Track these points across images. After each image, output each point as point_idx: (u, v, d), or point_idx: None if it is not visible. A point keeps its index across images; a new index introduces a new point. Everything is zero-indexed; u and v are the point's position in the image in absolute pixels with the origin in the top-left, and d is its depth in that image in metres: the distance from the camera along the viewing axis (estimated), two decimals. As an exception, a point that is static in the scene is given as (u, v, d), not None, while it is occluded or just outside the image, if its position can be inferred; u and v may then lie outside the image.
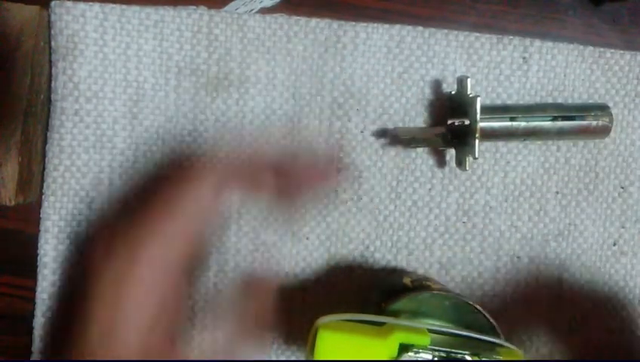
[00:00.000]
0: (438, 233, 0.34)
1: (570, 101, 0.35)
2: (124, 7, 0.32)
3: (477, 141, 0.31)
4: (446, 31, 0.34)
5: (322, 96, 0.34)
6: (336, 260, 0.34)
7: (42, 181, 0.32)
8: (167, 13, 0.33)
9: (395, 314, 0.26)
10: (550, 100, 0.35)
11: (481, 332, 0.25)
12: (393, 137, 0.34)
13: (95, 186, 0.33)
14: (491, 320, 0.26)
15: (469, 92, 0.31)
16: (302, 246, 0.33)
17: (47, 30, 0.32)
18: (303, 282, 0.33)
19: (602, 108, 0.33)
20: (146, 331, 0.23)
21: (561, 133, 0.33)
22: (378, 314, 0.25)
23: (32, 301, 0.32)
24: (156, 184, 0.29)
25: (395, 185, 0.34)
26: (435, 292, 0.27)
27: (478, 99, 0.31)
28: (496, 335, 0.25)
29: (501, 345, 0.25)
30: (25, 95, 0.31)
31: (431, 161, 0.34)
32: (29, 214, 0.33)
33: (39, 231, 0.32)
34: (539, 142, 0.34)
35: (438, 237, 0.34)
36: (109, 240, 0.25)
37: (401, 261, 0.34)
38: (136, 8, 0.32)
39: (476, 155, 0.31)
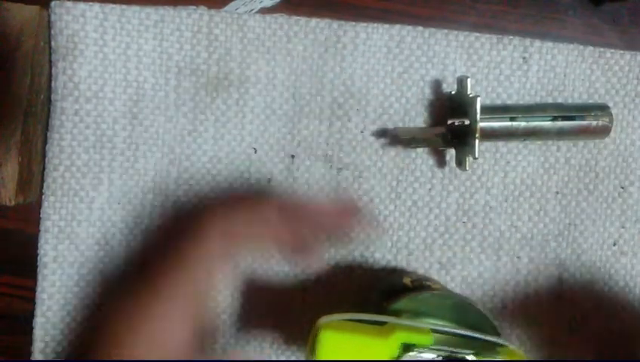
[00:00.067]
0: (438, 233, 0.34)
1: (570, 101, 0.35)
2: (124, 7, 0.32)
3: (477, 141, 0.31)
4: (446, 31, 0.34)
5: (322, 96, 0.34)
6: (336, 260, 0.34)
7: (42, 181, 0.32)
8: (167, 13, 0.33)
9: (396, 313, 0.26)
10: (550, 100, 0.35)
11: (481, 331, 0.25)
12: (393, 137, 0.34)
13: (95, 186, 0.33)
14: (492, 319, 0.26)
15: (469, 92, 0.31)
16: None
17: (47, 30, 0.32)
18: (303, 282, 0.33)
19: (602, 108, 0.33)
20: None
21: (561, 133, 0.33)
22: (379, 314, 0.25)
23: (32, 301, 0.32)
24: (163, 241, 0.29)
25: (395, 185, 0.34)
26: (435, 292, 0.27)
27: (478, 99, 0.31)
28: (496, 334, 0.25)
29: (501, 345, 0.25)
30: (25, 95, 0.31)
31: (431, 161, 0.34)
32: (29, 214, 0.33)
33: (39, 231, 0.32)
34: (539, 142, 0.34)
35: (438, 237, 0.34)
36: (122, 306, 0.25)
37: (401, 261, 0.34)
38: (136, 8, 0.32)
39: (476, 155, 0.31)
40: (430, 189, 0.34)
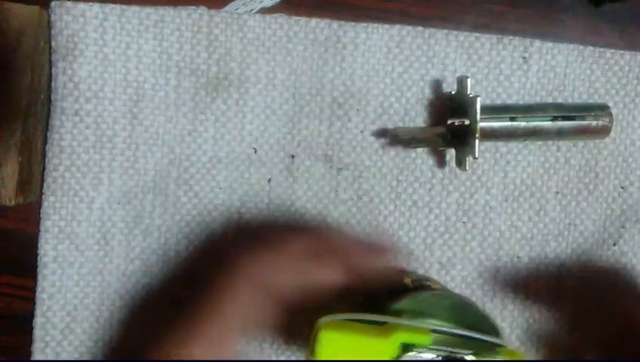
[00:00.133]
0: (438, 233, 0.34)
1: (570, 101, 0.35)
2: (124, 7, 0.32)
3: (477, 141, 0.31)
4: (446, 31, 0.34)
5: (322, 96, 0.34)
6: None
7: (42, 181, 0.32)
8: (167, 13, 0.33)
9: (396, 313, 0.26)
10: (550, 100, 0.35)
11: (481, 332, 0.25)
12: (393, 137, 0.34)
13: (95, 186, 0.33)
14: (492, 320, 0.26)
15: (469, 92, 0.31)
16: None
17: (47, 30, 0.32)
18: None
19: (602, 108, 0.33)
20: None
21: (561, 133, 0.33)
22: (379, 313, 0.25)
23: (32, 301, 0.32)
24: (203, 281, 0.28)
25: (395, 185, 0.34)
26: (435, 292, 0.27)
27: (478, 99, 0.31)
28: (496, 335, 0.25)
29: (501, 345, 0.25)
30: (25, 95, 0.31)
31: (431, 161, 0.34)
32: (29, 214, 0.33)
33: (39, 231, 0.32)
34: (539, 142, 0.34)
35: (438, 237, 0.34)
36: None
37: (401, 261, 0.34)
38: (136, 8, 0.32)
39: (476, 155, 0.31)
40: (430, 189, 0.34)
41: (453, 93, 0.33)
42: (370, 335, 0.23)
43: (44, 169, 0.33)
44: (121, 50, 0.33)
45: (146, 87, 0.33)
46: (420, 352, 0.23)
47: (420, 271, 0.34)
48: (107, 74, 0.32)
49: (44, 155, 0.33)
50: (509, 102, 0.34)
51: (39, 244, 0.32)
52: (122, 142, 0.33)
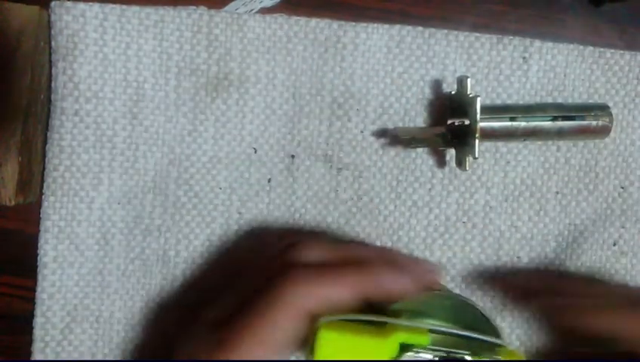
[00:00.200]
0: (438, 233, 0.34)
1: (570, 101, 0.35)
2: (124, 7, 0.32)
3: (477, 141, 0.31)
4: (446, 31, 0.34)
5: (322, 96, 0.34)
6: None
7: (42, 181, 0.32)
8: (167, 13, 0.33)
9: (396, 314, 0.26)
10: (550, 100, 0.35)
11: (481, 332, 0.25)
12: (393, 137, 0.34)
13: (95, 186, 0.33)
14: (492, 320, 0.26)
15: (469, 92, 0.31)
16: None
17: (47, 30, 0.32)
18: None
19: (602, 108, 0.33)
20: None
21: (561, 133, 0.33)
22: (378, 314, 0.25)
23: (32, 301, 0.32)
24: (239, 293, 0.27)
25: (395, 185, 0.34)
26: (435, 292, 0.27)
27: (478, 99, 0.31)
28: (496, 335, 0.25)
29: (500, 345, 0.25)
30: (25, 95, 0.31)
31: (431, 161, 0.34)
32: (29, 214, 0.33)
33: (39, 231, 0.32)
34: (539, 142, 0.34)
35: (438, 237, 0.34)
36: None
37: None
38: (136, 8, 0.32)
39: (476, 155, 0.31)
40: (430, 189, 0.34)
41: (453, 93, 0.33)
42: (369, 336, 0.23)
43: (44, 169, 0.33)
44: (121, 50, 0.33)
45: (146, 87, 0.33)
46: (419, 352, 0.23)
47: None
48: (107, 74, 0.32)
49: (44, 155, 0.33)
50: (509, 102, 0.34)
51: (39, 244, 0.32)
52: (122, 142, 0.33)
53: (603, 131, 0.33)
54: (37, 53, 0.31)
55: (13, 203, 0.31)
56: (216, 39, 0.33)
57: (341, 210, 0.34)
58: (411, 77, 0.34)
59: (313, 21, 0.33)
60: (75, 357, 0.33)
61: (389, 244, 0.34)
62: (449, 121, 0.32)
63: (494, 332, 0.26)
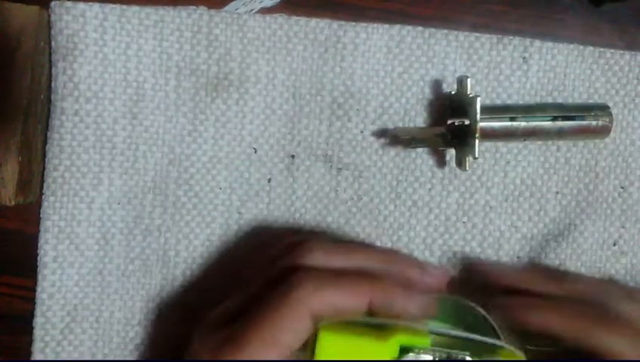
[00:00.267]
0: (438, 233, 0.34)
1: (570, 101, 0.35)
2: (124, 7, 0.32)
3: (477, 141, 0.31)
4: (446, 31, 0.34)
5: (322, 96, 0.34)
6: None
7: (42, 181, 0.32)
8: (167, 13, 0.33)
9: None
10: (550, 100, 0.35)
11: (481, 333, 0.25)
12: (393, 137, 0.34)
13: (95, 186, 0.33)
14: (492, 321, 0.26)
15: (469, 92, 0.31)
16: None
17: (47, 30, 0.32)
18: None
19: (602, 108, 0.33)
20: None
21: (561, 133, 0.33)
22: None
23: (32, 301, 0.32)
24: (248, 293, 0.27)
25: (395, 185, 0.34)
26: (436, 294, 0.27)
27: (478, 99, 0.31)
28: (496, 336, 0.25)
29: (501, 347, 0.25)
30: (25, 95, 0.31)
31: (431, 161, 0.34)
32: (29, 214, 0.33)
33: (39, 231, 0.32)
34: (539, 142, 0.34)
35: (438, 237, 0.34)
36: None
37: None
38: (136, 8, 0.32)
39: (476, 155, 0.31)
40: (430, 189, 0.34)
41: (453, 93, 0.33)
42: (369, 337, 0.23)
43: (44, 169, 0.33)
44: (121, 50, 0.33)
45: (146, 87, 0.33)
46: (419, 354, 0.23)
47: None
48: (107, 74, 0.32)
49: (44, 155, 0.33)
50: (509, 102, 0.34)
51: (39, 244, 0.32)
52: (122, 142, 0.33)
53: (603, 131, 0.33)
54: (37, 53, 0.31)
55: (13, 203, 0.31)
56: (216, 39, 0.33)
57: (341, 210, 0.34)
58: (411, 77, 0.34)
59: (313, 21, 0.33)
60: (75, 357, 0.33)
61: (389, 244, 0.34)
62: (449, 121, 0.32)
63: (494, 333, 0.26)
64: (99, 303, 0.33)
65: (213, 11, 0.33)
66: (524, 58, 0.34)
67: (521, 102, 0.34)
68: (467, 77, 0.31)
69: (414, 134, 0.33)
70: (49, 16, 0.32)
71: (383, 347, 0.23)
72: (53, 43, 0.32)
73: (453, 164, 0.33)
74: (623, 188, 0.35)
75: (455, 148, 0.33)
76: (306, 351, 0.24)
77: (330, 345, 0.23)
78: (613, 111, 0.33)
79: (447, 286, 0.28)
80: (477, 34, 0.34)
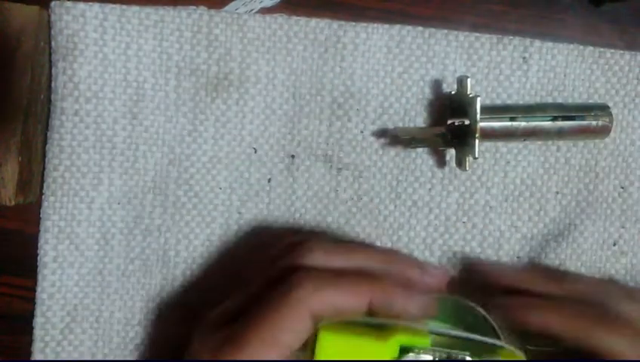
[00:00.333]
0: (438, 233, 0.34)
1: (570, 101, 0.35)
2: (124, 7, 0.32)
3: (477, 141, 0.31)
4: (446, 31, 0.34)
5: (322, 96, 0.34)
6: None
7: (42, 181, 0.32)
8: (167, 13, 0.33)
9: None
10: (550, 100, 0.35)
11: (481, 333, 0.25)
12: (393, 137, 0.34)
13: (95, 186, 0.33)
14: (492, 321, 0.26)
15: (469, 92, 0.31)
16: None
17: (47, 30, 0.32)
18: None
19: (602, 108, 0.33)
20: None
21: (561, 133, 0.33)
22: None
23: (32, 301, 0.32)
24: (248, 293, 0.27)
25: (395, 185, 0.34)
26: (436, 294, 0.27)
27: (478, 99, 0.31)
28: (496, 336, 0.25)
29: (501, 347, 0.25)
30: (25, 95, 0.31)
31: (431, 161, 0.34)
32: (29, 214, 0.33)
33: (39, 231, 0.32)
34: (539, 142, 0.34)
35: (438, 237, 0.34)
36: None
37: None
38: (136, 8, 0.32)
39: (476, 155, 0.31)
40: (430, 189, 0.34)
41: (453, 93, 0.33)
42: (369, 337, 0.23)
43: (44, 169, 0.33)
44: (121, 50, 0.33)
45: (146, 87, 0.33)
46: (419, 354, 0.23)
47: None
48: (107, 74, 0.32)
49: (44, 155, 0.33)
50: (509, 102, 0.34)
51: (39, 244, 0.32)
52: (122, 142, 0.33)
53: (603, 131, 0.33)
54: (37, 53, 0.31)
55: (13, 203, 0.31)
56: (216, 39, 0.33)
57: (341, 210, 0.34)
58: (411, 77, 0.34)
59: (313, 21, 0.33)
60: (75, 357, 0.33)
61: (389, 244, 0.34)
62: (449, 121, 0.32)
63: (494, 333, 0.26)
64: (99, 303, 0.33)
65: (213, 11, 0.33)
66: (524, 58, 0.34)
67: (521, 102, 0.34)
68: (467, 77, 0.31)
69: (414, 134, 0.33)
70: (49, 16, 0.32)
71: (382, 347, 0.23)
72: (53, 43, 0.32)
73: (453, 164, 0.33)
74: (623, 188, 0.35)
75: (455, 148, 0.33)
76: (306, 351, 0.24)
77: (330, 345, 0.23)
78: (613, 111, 0.33)
79: (447, 286, 0.28)
80: (477, 34, 0.34)
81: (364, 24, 0.33)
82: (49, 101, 0.32)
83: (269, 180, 0.34)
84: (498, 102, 0.34)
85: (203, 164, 0.33)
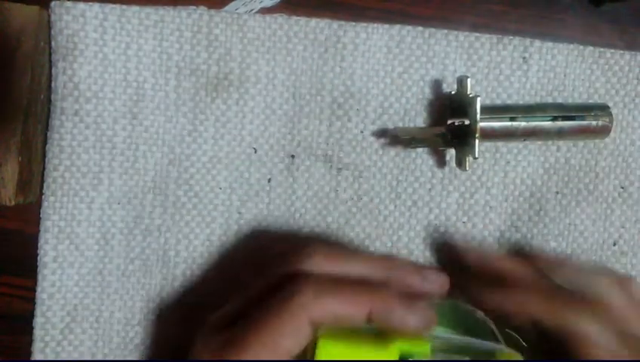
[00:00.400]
0: (438, 233, 0.34)
1: (570, 101, 0.35)
2: (124, 7, 0.32)
3: (477, 141, 0.31)
4: (446, 31, 0.34)
5: (322, 96, 0.34)
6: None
7: (42, 181, 0.32)
8: (167, 13, 0.33)
9: None
10: (550, 100, 0.35)
11: (480, 336, 0.25)
12: (393, 137, 0.34)
13: (95, 186, 0.33)
14: (490, 324, 0.26)
15: (469, 92, 0.31)
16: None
17: (47, 30, 0.32)
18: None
19: (602, 108, 0.33)
20: None
21: (561, 133, 0.33)
22: None
23: (32, 301, 0.32)
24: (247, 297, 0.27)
25: (395, 185, 0.34)
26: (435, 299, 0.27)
27: (478, 99, 0.31)
28: (494, 338, 0.25)
29: (500, 350, 0.25)
30: (25, 95, 0.31)
31: (431, 161, 0.34)
32: (29, 214, 0.33)
33: (39, 231, 0.32)
34: (539, 142, 0.34)
35: (439, 237, 0.34)
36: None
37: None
38: (136, 8, 0.32)
39: (476, 155, 0.31)
40: (430, 189, 0.34)
41: (453, 93, 0.33)
42: (369, 344, 0.23)
43: (44, 169, 0.33)
44: (121, 50, 0.33)
45: (146, 87, 0.33)
46: (420, 361, 0.23)
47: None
48: (107, 74, 0.32)
49: (44, 155, 0.33)
50: (509, 102, 0.34)
51: (39, 244, 0.32)
52: (122, 142, 0.33)
53: (603, 131, 0.33)
54: (37, 53, 0.31)
55: (13, 203, 0.31)
56: (216, 39, 0.33)
57: (341, 210, 0.34)
58: (411, 77, 0.34)
59: (313, 21, 0.33)
60: (75, 357, 0.33)
61: (389, 244, 0.34)
62: (449, 121, 0.32)
63: (493, 335, 0.26)
64: (99, 303, 0.33)
65: (213, 11, 0.33)
66: (524, 58, 0.34)
67: (521, 102, 0.34)
68: (467, 77, 0.31)
69: (414, 134, 0.33)
70: (49, 16, 0.32)
71: (382, 354, 0.23)
72: (53, 43, 0.32)
73: (453, 164, 0.33)
74: (623, 188, 0.35)
75: (455, 148, 0.33)
76: (306, 357, 0.24)
77: (329, 352, 0.23)
78: (613, 111, 0.33)
79: (449, 291, 0.28)
80: (477, 34, 0.34)
81: (364, 24, 0.33)
82: (49, 101, 0.32)
83: (269, 180, 0.34)
84: (498, 102, 0.34)
85: (203, 164, 0.33)
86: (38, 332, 0.32)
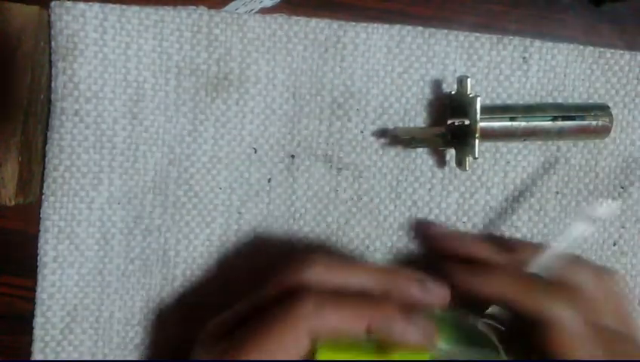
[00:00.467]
0: (438, 233, 0.34)
1: (570, 101, 0.35)
2: (124, 7, 0.32)
3: (477, 141, 0.31)
4: (446, 31, 0.34)
5: (322, 96, 0.34)
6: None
7: (42, 181, 0.32)
8: (167, 13, 0.33)
9: None
10: (550, 100, 0.35)
11: (479, 346, 0.25)
12: (393, 137, 0.34)
13: (95, 186, 0.33)
14: (489, 334, 0.26)
15: (469, 92, 0.31)
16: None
17: (47, 30, 0.32)
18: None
19: (602, 108, 0.33)
20: None
21: (561, 133, 0.33)
22: None
23: (32, 301, 0.32)
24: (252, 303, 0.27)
25: (395, 185, 0.34)
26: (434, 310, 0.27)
27: (478, 99, 0.31)
28: (493, 347, 0.25)
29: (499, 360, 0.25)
30: (25, 95, 0.31)
31: (431, 161, 0.34)
32: (29, 214, 0.33)
33: (39, 231, 0.32)
34: (539, 142, 0.34)
35: (438, 237, 0.34)
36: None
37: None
38: (136, 8, 0.32)
39: (476, 155, 0.31)
40: (430, 189, 0.34)
41: (453, 93, 0.33)
42: (369, 355, 0.23)
43: (44, 169, 0.33)
44: (121, 50, 0.33)
45: (146, 87, 0.33)
46: None
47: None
48: (107, 74, 0.32)
49: (44, 155, 0.33)
50: (509, 102, 0.34)
51: (39, 244, 0.32)
52: (122, 142, 0.33)
53: (603, 131, 0.33)
54: (37, 53, 0.31)
55: (13, 203, 0.31)
56: (216, 39, 0.33)
57: (341, 210, 0.34)
58: (411, 77, 0.34)
59: (313, 21, 0.33)
60: (75, 357, 0.33)
61: (389, 244, 0.34)
62: (449, 121, 0.32)
63: (491, 345, 0.26)
64: (99, 303, 0.33)
65: (213, 11, 0.33)
66: (524, 58, 0.34)
67: (521, 102, 0.34)
68: (467, 77, 0.31)
69: (414, 134, 0.33)
70: (49, 16, 0.32)
71: None
72: (53, 43, 0.32)
73: (453, 164, 0.33)
74: (622, 188, 0.35)
75: (455, 148, 0.33)
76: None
77: None
78: (613, 111, 0.33)
79: (450, 302, 0.28)
80: (477, 34, 0.34)
81: (364, 24, 0.33)
82: (49, 101, 0.32)
83: (269, 180, 0.34)
84: (498, 102, 0.34)
85: (203, 164, 0.33)
86: (38, 332, 0.32)
